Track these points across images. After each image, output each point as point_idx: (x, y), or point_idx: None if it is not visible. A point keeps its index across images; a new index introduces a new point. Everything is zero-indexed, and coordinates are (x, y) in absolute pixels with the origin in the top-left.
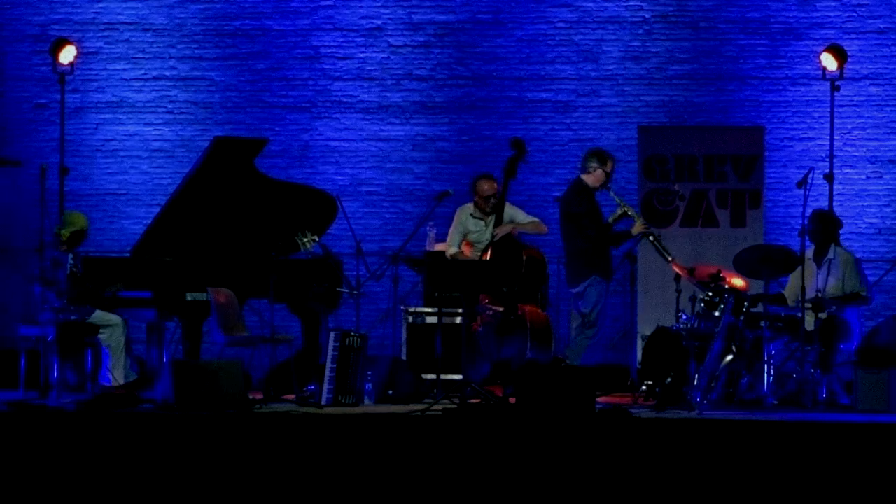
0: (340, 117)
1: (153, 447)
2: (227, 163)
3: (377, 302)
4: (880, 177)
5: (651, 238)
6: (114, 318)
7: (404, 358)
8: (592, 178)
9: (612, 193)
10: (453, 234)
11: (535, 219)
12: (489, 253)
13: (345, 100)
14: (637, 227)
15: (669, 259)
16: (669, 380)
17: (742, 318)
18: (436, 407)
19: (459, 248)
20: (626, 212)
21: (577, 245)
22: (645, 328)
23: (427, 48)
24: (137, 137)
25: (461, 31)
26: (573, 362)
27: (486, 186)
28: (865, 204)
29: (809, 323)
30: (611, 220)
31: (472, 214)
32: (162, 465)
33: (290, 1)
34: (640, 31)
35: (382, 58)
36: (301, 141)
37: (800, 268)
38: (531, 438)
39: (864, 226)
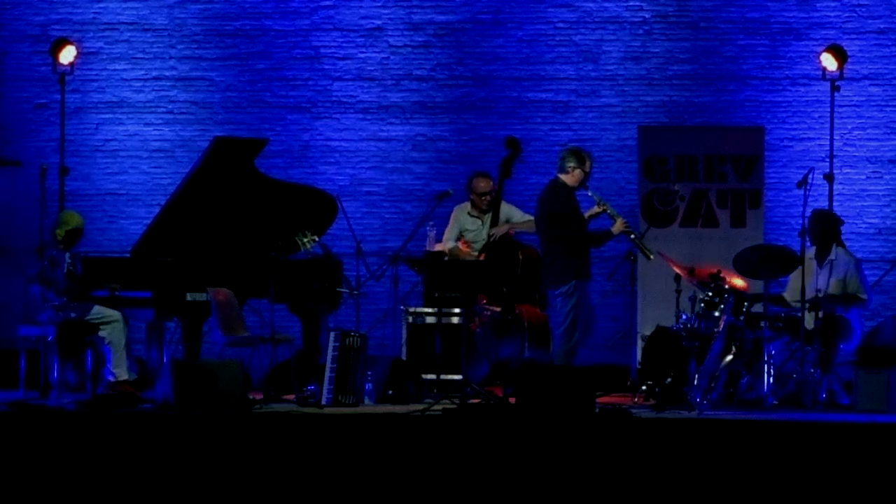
0: (340, 117)
1: (153, 447)
2: (227, 163)
3: (377, 302)
4: (880, 177)
5: (632, 236)
6: (114, 314)
7: (404, 358)
8: (571, 178)
9: (590, 192)
10: (450, 231)
11: (531, 217)
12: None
13: (345, 100)
14: (617, 227)
15: (651, 257)
16: (669, 380)
17: (742, 318)
18: (436, 407)
19: (456, 243)
20: (604, 210)
21: (558, 247)
22: (645, 328)
23: (427, 48)
24: (137, 137)
25: (461, 31)
26: None
27: (482, 184)
28: (865, 204)
29: (809, 323)
30: (587, 216)
31: (469, 213)
32: (162, 465)
33: (290, 1)
34: (640, 31)
35: (382, 58)
36: (301, 141)
37: (800, 268)
38: (531, 438)
39: (864, 226)
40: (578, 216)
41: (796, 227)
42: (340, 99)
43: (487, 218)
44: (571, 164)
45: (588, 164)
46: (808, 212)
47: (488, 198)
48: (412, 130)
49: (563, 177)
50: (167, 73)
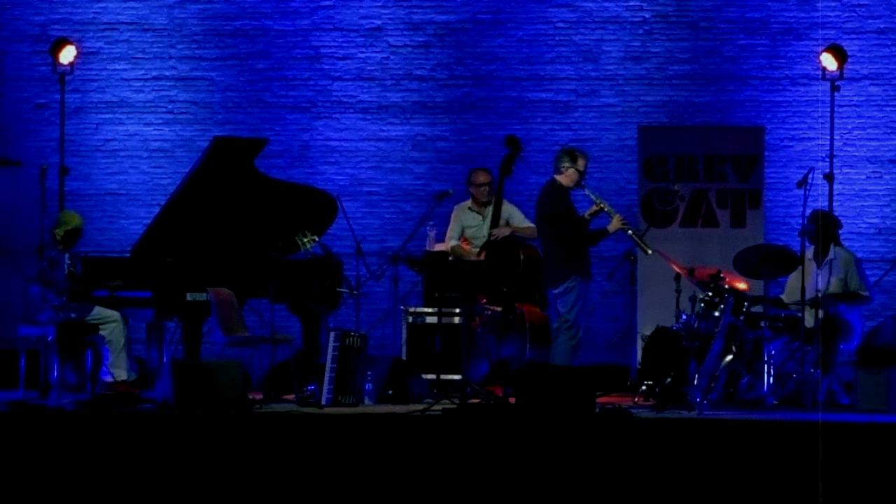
0: (340, 117)
1: (153, 447)
2: (227, 163)
3: (377, 302)
4: (880, 177)
5: (630, 232)
6: (113, 314)
7: (404, 358)
8: (566, 178)
9: (587, 191)
10: (452, 229)
11: (532, 224)
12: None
13: (345, 100)
14: (614, 224)
15: (649, 252)
16: (669, 380)
17: (742, 318)
18: (436, 407)
19: (458, 240)
20: (602, 208)
21: (556, 246)
22: (645, 328)
23: (427, 48)
24: (137, 137)
25: (461, 31)
26: None
27: (481, 177)
28: (865, 204)
29: (809, 322)
30: (586, 215)
31: (469, 208)
32: (162, 465)
33: (290, 1)
34: (640, 31)
35: (382, 58)
36: (301, 141)
37: (799, 268)
38: (531, 438)
39: (864, 226)
40: (573, 215)
41: (796, 227)
42: (340, 99)
43: (488, 212)
44: (565, 164)
45: (581, 162)
46: (808, 212)
47: (487, 188)
48: (412, 130)
49: (558, 177)
50: (167, 73)
